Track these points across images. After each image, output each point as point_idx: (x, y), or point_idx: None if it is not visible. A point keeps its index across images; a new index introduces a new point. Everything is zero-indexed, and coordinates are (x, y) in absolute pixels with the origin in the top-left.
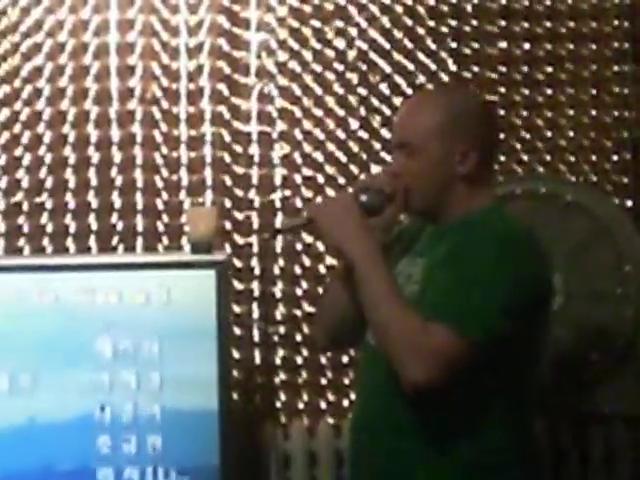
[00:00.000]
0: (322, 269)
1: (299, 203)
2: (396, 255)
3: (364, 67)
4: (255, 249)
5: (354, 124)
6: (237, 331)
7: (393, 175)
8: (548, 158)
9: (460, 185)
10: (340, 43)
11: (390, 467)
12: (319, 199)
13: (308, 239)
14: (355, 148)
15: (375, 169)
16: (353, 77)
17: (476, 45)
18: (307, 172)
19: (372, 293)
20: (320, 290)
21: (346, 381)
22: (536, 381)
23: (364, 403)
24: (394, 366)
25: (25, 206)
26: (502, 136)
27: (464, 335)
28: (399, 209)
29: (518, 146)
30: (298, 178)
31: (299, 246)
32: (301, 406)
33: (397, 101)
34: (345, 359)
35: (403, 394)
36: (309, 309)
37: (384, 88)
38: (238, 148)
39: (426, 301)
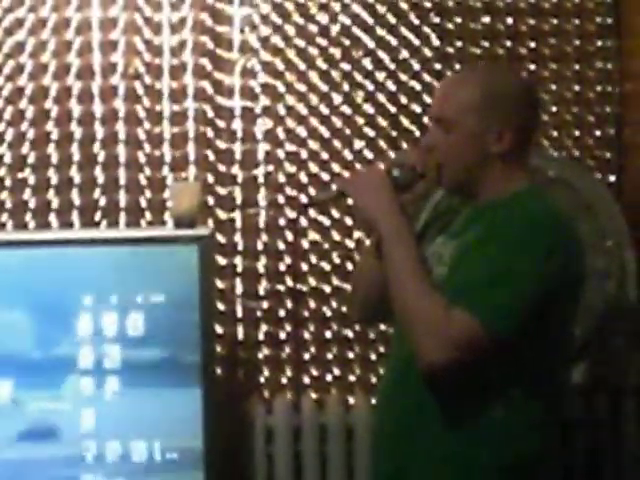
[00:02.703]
0: (305, 244)
1: (282, 178)
2: (433, 234)
3: (347, 42)
4: (238, 224)
5: (337, 99)
6: (220, 306)
7: (426, 149)
8: None
9: (495, 165)
10: (323, 18)
11: (409, 445)
12: (349, 173)
13: (291, 214)
14: (338, 123)
15: (358, 144)
16: (336, 52)
17: (459, 20)
18: (290, 147)
19: (397, 270)
20: (303, 265)
21: (329, 356)
22: (563, 370)
23: (391, 379)
24: (412, 344)
25: (7, 181)
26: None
27: (485, 326)
28: (431, 185)
29: None
30: (281, 153)
31: (282, 221)
32: (284, 381)
33: (380, 76)
34: (328, 334)
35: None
36: (292, 284)
37: (367, 63)
38: (221, 123)
39: (451, 285)
